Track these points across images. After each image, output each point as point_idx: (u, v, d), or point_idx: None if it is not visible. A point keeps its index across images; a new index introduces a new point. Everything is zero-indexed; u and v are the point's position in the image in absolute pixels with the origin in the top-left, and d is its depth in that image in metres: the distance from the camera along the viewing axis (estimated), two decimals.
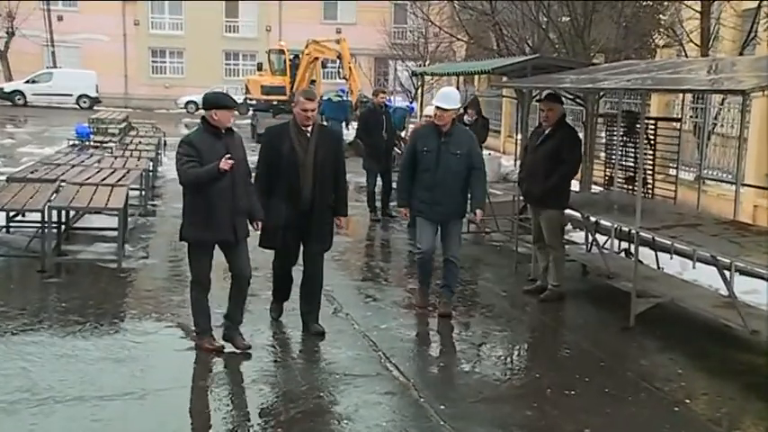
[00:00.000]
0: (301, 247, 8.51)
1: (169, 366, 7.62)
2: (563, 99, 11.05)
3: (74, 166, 14.44)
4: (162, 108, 48.07)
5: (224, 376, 7.38)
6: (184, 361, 7.74)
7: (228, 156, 7.21)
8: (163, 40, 58.99)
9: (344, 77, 31.61)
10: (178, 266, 11.15)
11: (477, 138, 11.63)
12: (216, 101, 7.66)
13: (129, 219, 13.05)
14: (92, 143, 20.39)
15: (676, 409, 6.96)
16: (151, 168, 17.24)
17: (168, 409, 6.66)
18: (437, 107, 9.06)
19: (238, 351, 7.74)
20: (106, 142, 20.12)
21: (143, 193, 15.40)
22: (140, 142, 19.96)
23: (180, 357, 7.84)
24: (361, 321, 8.94)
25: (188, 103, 49.36)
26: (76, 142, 20.89)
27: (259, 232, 8.15)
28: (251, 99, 35.35)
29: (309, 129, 8.25)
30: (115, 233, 11.35)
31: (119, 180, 12.67)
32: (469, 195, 9.30)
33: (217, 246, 7.80)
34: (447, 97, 9.12)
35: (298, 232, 8.31)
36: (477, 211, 9.23)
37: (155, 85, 57.51)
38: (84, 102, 48.19)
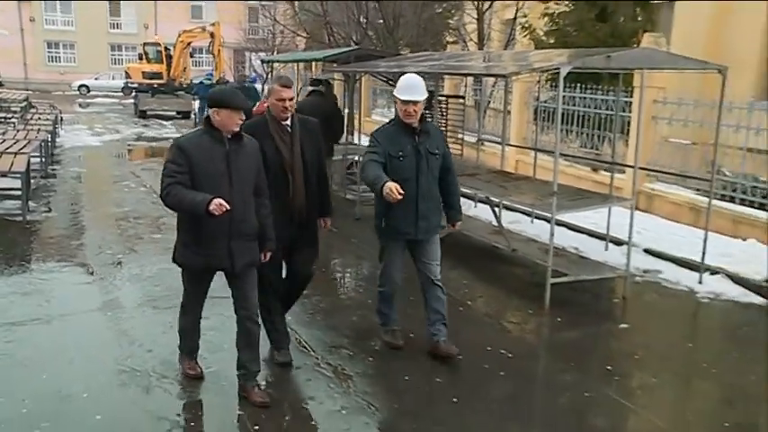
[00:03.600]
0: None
1: (70, 296, 7.26)
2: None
3: None
4: (58, 91, 45.48)
5: (117, 302, 7.11)
6: (82, 292, 7.43)
7: (219, 200, 4.49)
8: (57, 35, 56.15)
9: (213, 54, 31.11)
10: (76, 218, 10.86)
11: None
12: (220, 98, 4.76)
13: (32, 180, 12.37)
14: None
15: (461, 309, 7.14)
16: (50, 139, 16.36)
17: (71, 329, 6.39)
18: (405, 101, 5.56)
19: (257, 404, 4.93)
20: (9, 118, 19.15)
21: (43, 159, 14.70)
22: (39, 118, 18.99)
23: (79, 289, 7.52)
24: None
25: (80, 86, 47.38)
26: None
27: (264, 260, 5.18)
28: (132, 83, 33.98)
29: (289, 122, 5.40)
30: (20, 192, 10.78)
31: (21, 148, 12.08)
32: (443, 202, 5.99)
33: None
34: (414, 86, 5.61)
35: (285, 247, 5.48)
36: (458, 223, 6.11)
37: (51, 71, 54.71)
38: None
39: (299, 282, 5.85)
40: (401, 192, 5.12)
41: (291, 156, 5.36)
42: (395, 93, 5.74)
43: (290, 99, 5.37)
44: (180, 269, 5.13)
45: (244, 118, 4.80)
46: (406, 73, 5.85)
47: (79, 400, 4.99)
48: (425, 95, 5.68)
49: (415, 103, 5.58)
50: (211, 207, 4.45)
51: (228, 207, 4.50)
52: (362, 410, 4.99)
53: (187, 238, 4.88)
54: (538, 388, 5.76)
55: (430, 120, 6.98)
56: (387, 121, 5.98)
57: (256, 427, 4.56)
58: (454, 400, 5.02)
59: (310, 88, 12.19)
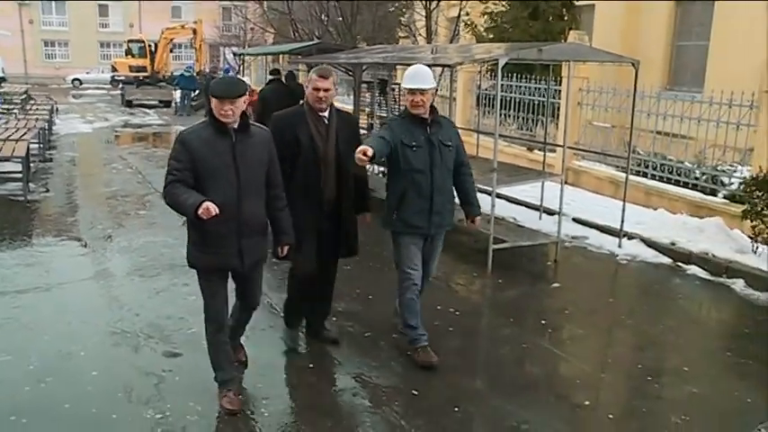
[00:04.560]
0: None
1: (67, 267, 7.10)
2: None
3: None
4: (54, 84, 44.13)
5: (108, 272, 6.96)
6: (78, 263, 7.28)
7: (208, 204, 3.71)
8: (52, 34, 54.94)
9: (196, 48, 30.70)
10: (71, 197, 10.65)
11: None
12: (213, 87, 4.00)
13: (32, 164, 12.10)
14: (0, 110, 18.72)
15: None
16: (47, 127, 15.96)
17: (68, 296, 6.27)
18: (411, 90, 4.78)
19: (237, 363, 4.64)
20: (11, 109, 18.76)
21: (41, 145, 14.34)
22: (38, 109, 18.66)
23: (74, 261, 7.36)
24: None
25: (74, 80, 46.16)
26: None
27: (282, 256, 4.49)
28: (119, 76, 33.53)
29: (326, 114, 4.74)
30: (21, 175, 10.61)
31: (22, 136, 11.99)
32: (458, 198, 5.16)
33: None
34: (419, 75, 4.80)
35: (317, 241, 4.80)
36: (477, 218, 5.21)
37: (47, 67, 53.39)
38: None
39: (324, 275, 5.06)
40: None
41: (326, 147, 4.69)
42: (402, 83, 5.02)
43: (326, 90, 4.66)
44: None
45: (236, 108, 3.93)
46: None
47: (77, 359, 4.91)
48: (433, 85, 4.85)
49: (421, 92, 4.77)
50: (199, 211, 3.70)
51: (218, 212, 3.73)
52: (332, 364, 4.97)
53: (195, 236, 4.07)
54: (482, 341, 5.79)
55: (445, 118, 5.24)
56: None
57: None
58: (408, 353, 5.01)
59: (270, 77, 12.08)
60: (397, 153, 4.76)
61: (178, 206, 3.86)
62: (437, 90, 5.77)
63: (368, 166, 4.63)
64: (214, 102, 3.92)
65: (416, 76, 4.80)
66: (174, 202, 3.87)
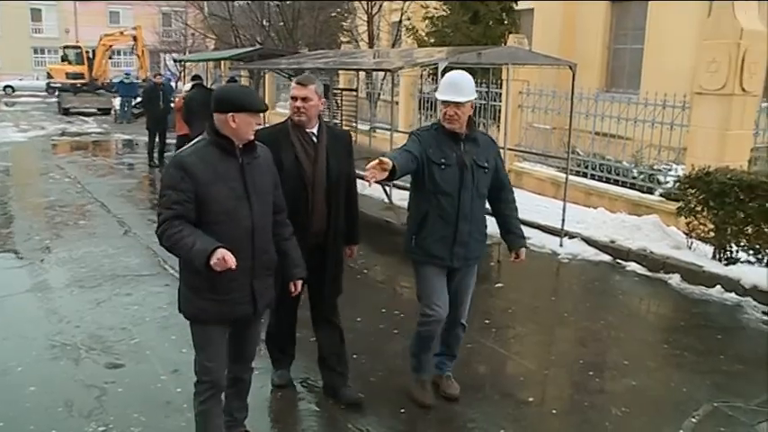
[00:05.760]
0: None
1: (1, 280, 6.90)
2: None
3: None
4: None
5: (45, 284, 6.79)
6: (13, 276, 7.08)
7: (223, 252, 3.04)
8: None
9: (138, 55, 30.18)
10: (5, 208, 10.32)
11: None
12: (238, 100, 3.23)
13: None
14: None
15: (359, 276, 7.18)
16: None
17: (4, 310, 6.09)
18: (445, 102, 4.04)
19: None
20: None
21: None
22: None
23: (10, 273, 7.17)
24: (144, 237, 8.37)
25: (5, 87, 44.04)
26: None
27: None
28: (54, 83, 32.64)
29: (315, 130, 4.03)
30: None
31: None
32: (499, 229, 4.56)
33: None
34: (456, 85, 4.05)
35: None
36: (522, 250, 4.47)
37: None
38: None
39: (325, 321, 4.39)
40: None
41: (313, 170, 3.98)
42: (437, 94, 4.16)
43: (304, 99, 3.91)
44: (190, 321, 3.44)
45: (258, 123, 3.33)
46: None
47: (14, 374, 4.77)
48: (472, 96, 4.06)
49: (457, 104, 4.01)
50: (213, 261, 3.01)
51: (235, 265, 3.06)
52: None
53: (197, 281, 3.24)
54: None
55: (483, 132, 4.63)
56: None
57: (179, 390, 4.45)
58: (354, 356, 5.02)
59: (191, 83, 12.03)
60: (423, 170, 4.07)
61: (180, 251, 3.13)
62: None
63: (368, 185, 3.65)
64: (242, 117, 3.20)
65: (451, 86, 4.07)
66: (175, 245, 3.12)
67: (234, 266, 3.04)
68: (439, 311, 4.18)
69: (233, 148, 3.25)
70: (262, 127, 3.74)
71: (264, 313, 3.65)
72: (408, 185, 4.41)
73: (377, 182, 3.61)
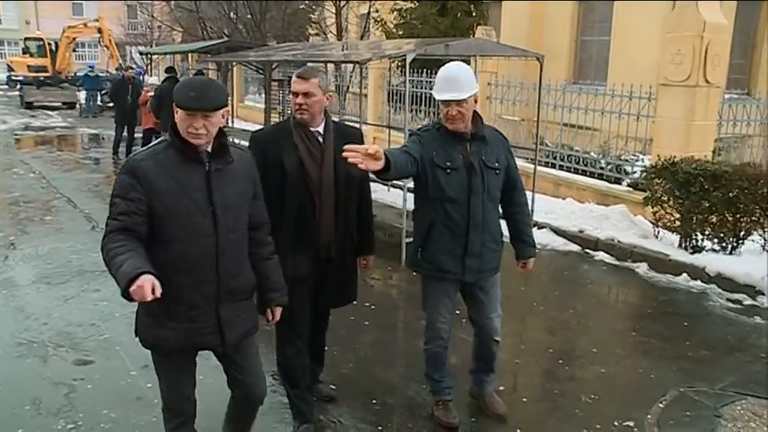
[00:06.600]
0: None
1: None
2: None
3: None
4: None
5: (11, 281, 6.67)
6: None
7: (146, 279, 2.42)
8: None
9: (105, 46, 29.76)
10: None
11: None
12: (178, 94, 2.71)
13: None
14: None
15: None
16: None
17: None
18: (445, 101, 3.61)
19: None
20: None
21: None
22: None
23: None
24: None
25: None
26: None
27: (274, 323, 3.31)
28: (16, 76, 32.00)
29: (320, 129, 3.56)
30: None
31: None
32: (508, 234, 4.12)
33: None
34: (452, 80, 3.61)
35: (310, 288, 3.68)
36: (531, 260, 4.16)
37: None
38: None
39: (317, 323, 4.04)
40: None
41: (320, 173, 3.53)
42: (434, 92, 3.71)
43: (305, 94, 3.45)
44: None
45: (212, 124, 2.73)
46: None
47: None
48: (473, 90, 3.61)
49: (458, 102, 3.59)
50: (131, 288, 2.42)
51: (159, 295, 2.45)
52: None
53: (155, 308, 2.73)
54: (398, 334, 5.88)
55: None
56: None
57: (149, 386, 4.41)
58: (325, 348, 5.03)
59: (165, 75, 11.94)
60: (426, 175, 3.68)
61: (110, 270, 2.59)
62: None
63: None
64: (180, 115, 2.71)
65: (448, 82, 3.63)
66: (108, 263, 2.62)
67: (149, 299, 2.43)
68: (443, 329, 3.96)
69: (197, 152, 2.75)
70: (260, 128, 3.54)
71: (247, 344, 3.08)
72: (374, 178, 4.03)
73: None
